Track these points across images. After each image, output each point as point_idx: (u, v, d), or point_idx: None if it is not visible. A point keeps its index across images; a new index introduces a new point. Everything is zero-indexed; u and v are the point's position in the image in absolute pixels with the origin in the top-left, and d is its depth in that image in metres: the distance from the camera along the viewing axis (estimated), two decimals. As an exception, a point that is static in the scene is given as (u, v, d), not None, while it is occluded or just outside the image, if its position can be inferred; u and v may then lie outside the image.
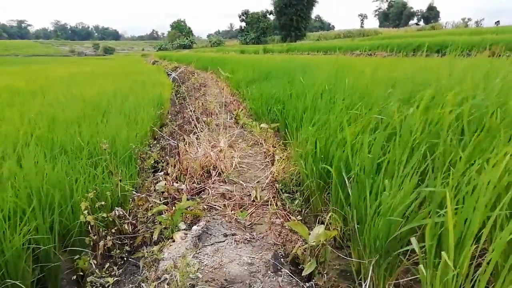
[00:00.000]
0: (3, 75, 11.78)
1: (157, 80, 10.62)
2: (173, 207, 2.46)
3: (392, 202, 1.61)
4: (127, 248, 2.39)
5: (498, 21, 51.15)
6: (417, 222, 1.53)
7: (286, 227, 2.32)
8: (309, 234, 1.98)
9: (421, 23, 77.82)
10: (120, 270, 2.22)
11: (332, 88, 3.66)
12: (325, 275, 1.91)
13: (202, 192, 2.95)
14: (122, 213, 2.51)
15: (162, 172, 3.56)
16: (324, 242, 1.92)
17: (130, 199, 2.87)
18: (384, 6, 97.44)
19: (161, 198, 2.87)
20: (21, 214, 2.09)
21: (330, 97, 3.37)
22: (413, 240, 1.43)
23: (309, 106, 3.45)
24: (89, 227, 2.32)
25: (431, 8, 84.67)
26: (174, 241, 2.18)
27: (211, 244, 2.12)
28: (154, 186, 3.09)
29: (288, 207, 2.73)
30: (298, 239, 2.20)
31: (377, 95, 2.78)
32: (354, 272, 1.93)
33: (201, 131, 4.15)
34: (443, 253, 1.28)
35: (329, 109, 3.04)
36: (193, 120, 4.63)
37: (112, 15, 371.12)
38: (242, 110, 6.02)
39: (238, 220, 2.46)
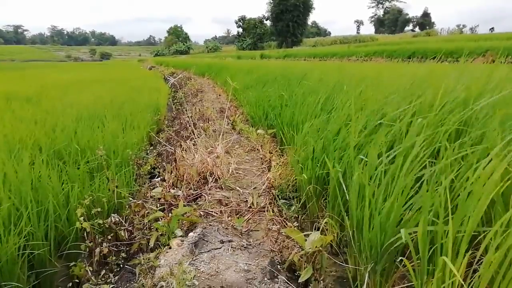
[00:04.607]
0: (-1, 81, 11.73)
1: (154, 86, 10.62)
2: (170, 214, 2.46)
3: (387, 208, 1.62)
4: (123, 255, 2.38)
5: (492, 28, 51.84)
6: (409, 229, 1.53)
7: (283, 233, 2.32)
8: (306, 240, 1.98)
9: (417, 29, 78.56)
10: (116, 277, 2.21)
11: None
12: (321, 281, 1.92)
13: (199, 199, 2.95)
14: (118, 219, 2.50)
15: (159, 178, 3.56)
16: (321, 248, 1.92)
17: (127, 206, 2.86)
18: (380, 12, 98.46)
19: (158, 205, 2.86)
20: (16, 220, 2.09)
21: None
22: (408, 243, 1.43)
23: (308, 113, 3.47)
24: (85, 234, 2.31)
25: (426, 15, 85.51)
26: (170, 248, 2.17)
27: (208, 251, 2.12)
28: (151, 193, 3.08)
29: (285, 213, 2.73)
30: (295, 246, 2.21)
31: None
32: (351, 278, 1.94)
33: (198, 137, 4.15)
34: (444, 258, 1.28)
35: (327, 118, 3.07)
36: (190, 126, 4.64)
37: (109, 20, 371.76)
38: (239, 116, 6.03)
39: (234, 227, 2.46)
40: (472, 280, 1.33)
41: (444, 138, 1.91)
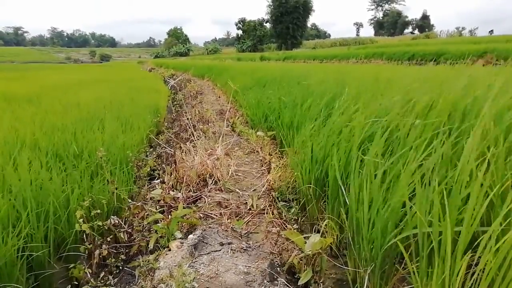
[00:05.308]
0: (-1, 82, 11.72)
1: (153, 87, 10.63)
2: (169, 216, 2.46)
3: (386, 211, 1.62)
4: (122, 257, 2.37)
5: (491, 30, 52.05)
6: (408, 231, 1.53)
7: (282, 235, 2.32)
8: (305, 243, 1.98)
9: (416, 31, 78.78)
10: (116, 279, 2.20)
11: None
12: (321, 284, 1.91)
13: (199, 201, 2.95)
14: (117, 221, 2.49)
15: (158, 180, 3.55)
16: (320, 251, 1.92)
17: (126, 208, 2.85)
18: (379, 15, 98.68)
19: (157, 207, 2.86)
20: (15, 221, 2.08)
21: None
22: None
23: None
24: (85, 236, 2.31)
25: (425, 17, 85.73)
26: (170, 250, 2.17)
27: (207, 253, 2.11)
28: (150, 194, 3.08)
29: (285, 215, 2.73)
30: (295, 248, 2.20)
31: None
32: (350, 281, 1.93)
33: (198, 139, 4.15)
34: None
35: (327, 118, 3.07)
36: (189, 127, 4.64)
37: (109, 22, 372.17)
38: (238, 118, 6.03)
39: (234, 229, 2.45)
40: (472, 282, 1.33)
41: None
